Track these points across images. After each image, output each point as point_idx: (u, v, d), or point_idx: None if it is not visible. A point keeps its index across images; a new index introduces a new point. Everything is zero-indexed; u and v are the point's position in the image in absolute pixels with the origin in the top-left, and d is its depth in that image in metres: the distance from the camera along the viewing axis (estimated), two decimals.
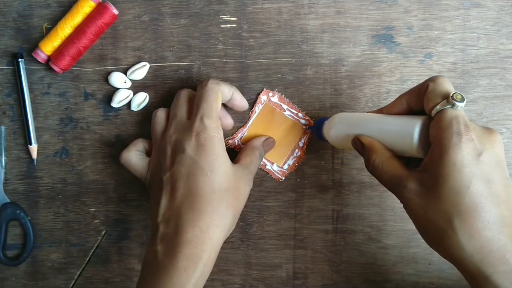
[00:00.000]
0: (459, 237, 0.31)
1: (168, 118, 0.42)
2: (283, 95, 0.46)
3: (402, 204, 0.35)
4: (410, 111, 0.37)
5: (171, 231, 0.37)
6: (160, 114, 0.43)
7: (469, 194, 0.30)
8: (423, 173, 0.33)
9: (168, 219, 0.37)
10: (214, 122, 0.39)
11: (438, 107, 0.32)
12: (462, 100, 0.32)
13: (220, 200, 0.38)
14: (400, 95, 0.38)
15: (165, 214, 0.38)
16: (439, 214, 0.32)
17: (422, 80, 0.45)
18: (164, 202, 0.38)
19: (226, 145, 0.46)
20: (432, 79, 0.34)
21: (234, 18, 0.46)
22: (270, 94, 0.46)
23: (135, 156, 0.42)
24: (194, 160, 0.38)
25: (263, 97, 0.46)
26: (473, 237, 0.30)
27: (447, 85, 0.34)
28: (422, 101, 0.35)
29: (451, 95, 0.32)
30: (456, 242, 0.31)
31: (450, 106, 0.32)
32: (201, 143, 0.38)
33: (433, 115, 0.33)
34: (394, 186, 0.35)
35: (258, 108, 0.46)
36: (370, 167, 0.37)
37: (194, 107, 0.40)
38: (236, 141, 0.46)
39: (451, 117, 0.32)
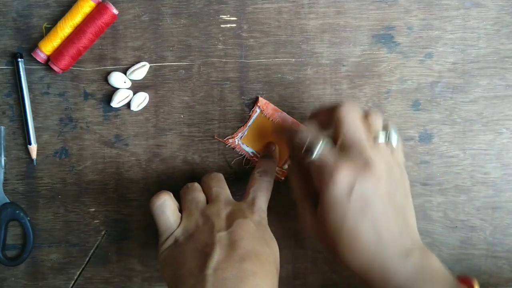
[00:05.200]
0: (345, 257, 0.36)
1: (203, 192, 0.42)
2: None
3: None
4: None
5: (232, 275, 0.35)
6: (198, 187, 0.42)
7: (345, 228, 0.35)
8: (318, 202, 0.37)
9: (224, 269, 0.35)
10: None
11: (306, 159, 0.37)
12: (313, 150, 0.36)
13: (272, 269, 0.38)
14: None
15: (220, 266, 0.35)
16: (328, 236, 0.37)
17: (422, 80, 0.46)
18: (218, 255, 0.36)
19: (226, 144, 0.46)
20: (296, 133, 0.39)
21: (234, 18, 0.46)
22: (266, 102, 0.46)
23: (174, 205, 0.40)
24: (256, 226, 0.38)
25: (262, 100, 0.46)
26: (355, 259, 0.36)
27: (305, 136, 0.38)
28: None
29: (303, 150, 0.37)
30: (343, 260, 0.37)
31: (313, 158, 0.37)
32: (260, 220, 0.40)
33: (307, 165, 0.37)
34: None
35: (258, 107, 0.46)
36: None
37: (250, 191, 0.41)
38: (237, 141, 0.46)
39: (317, 163, 0.37)
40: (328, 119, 0.39)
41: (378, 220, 0.35)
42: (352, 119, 0.37)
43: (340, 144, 0.37)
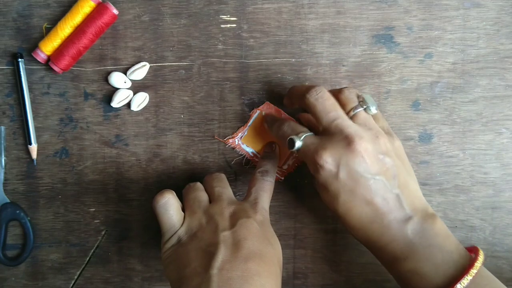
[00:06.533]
0: (347, 228, 0.39)
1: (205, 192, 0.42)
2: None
3: None
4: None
5: (237, 275, 0.35)
6: (200, 186, 0.42)
7: (339, 205, 0.37)
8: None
9: (229, 269, 0.35)
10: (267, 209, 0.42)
11: (293, 150, 0.39)
12: (294, 143, 0.38)
13: (275, 266, 0.38)
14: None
15: (225, 266, 0.35)
16: (330, 208, 0.39)
17: (422, 80, 0.46)
18: (222, 254, 0.36)
19: (226, 144, 0.47)
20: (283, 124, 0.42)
21: (234, 18, 0.46)
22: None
23: (177, 203, 0.40)
24: (260, 226, 0.38)
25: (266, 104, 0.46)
26: (353, 231, 0.38)
27: (285, 131, 0.41)
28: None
29: (286, 143, 0.39)
30: (348, 231, 0.39)
31: (295, 150, 0.39)
32: (263, 219, 0.40)
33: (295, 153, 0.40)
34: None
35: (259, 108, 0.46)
36: None
37: (252, 191, 0.41)
38: (237, 141, 0.46)
39: (301, 154, 0.39)
40: (300, 104, 0.40)
41: (371, 193, 0.36)
42: (322, 104, 0.38)
43: (321, 130, 0.38)
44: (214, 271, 0.35)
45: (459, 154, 0.46)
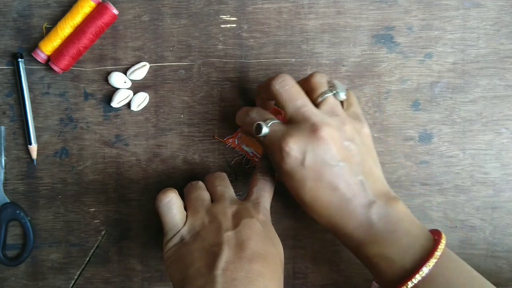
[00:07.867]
0: (313, 216, 0.39)
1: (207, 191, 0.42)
2: None
3: None
4: None
5: (241, 276, 0.35)
6: (202, 185, 0.42)
7: (306, 194, 0.37)
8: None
9: (234, 270, 0.35)
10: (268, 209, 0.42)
11: (259, 136, 0.39)
12: (261, 129, 0.38)
13: (278, 266, 0.38)
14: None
15: (229, 266, 0.35)
16: (297, 197, 0.39)
17: (422, 80, 0.46)
18: (226, 255, 0.36)
19: (226, 144, 0.47)
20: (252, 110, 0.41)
21: (234, 18, 0.46)
22: None
23: (180, 202, 0.40)
24: (262, 226, 0.38)
25: None
26: (320, 218, 0.38)
27: (252, 117, 0.40)
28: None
29: (254, 128, 0.39)
30: (312, 217, 0.39)
31: (261, 135, 0.39)
32: (265, 219, 0.40)
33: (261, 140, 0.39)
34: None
35: None
36: None
37: (254, 190, 0.41)
38: (237, 141, 0.46)
39: (267, 141, 0.38)
40: (268, 96, 0.40)
41: (336, 180, 0.37)
42: (286, 91, 0.38)
43: (288, 118, 0.38)
44: (219, 271, 0.35)
45: (459, 154, 0.46)
